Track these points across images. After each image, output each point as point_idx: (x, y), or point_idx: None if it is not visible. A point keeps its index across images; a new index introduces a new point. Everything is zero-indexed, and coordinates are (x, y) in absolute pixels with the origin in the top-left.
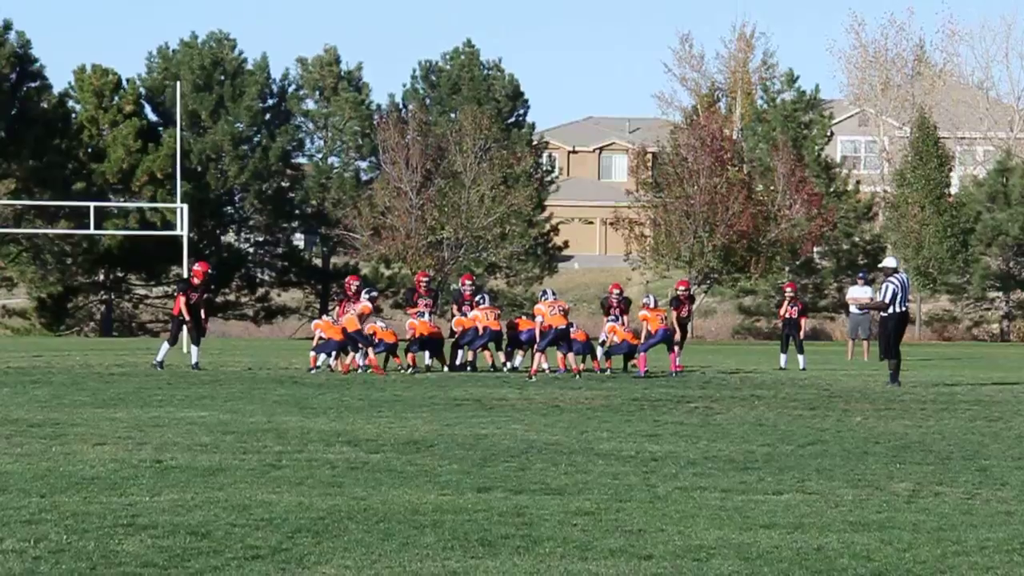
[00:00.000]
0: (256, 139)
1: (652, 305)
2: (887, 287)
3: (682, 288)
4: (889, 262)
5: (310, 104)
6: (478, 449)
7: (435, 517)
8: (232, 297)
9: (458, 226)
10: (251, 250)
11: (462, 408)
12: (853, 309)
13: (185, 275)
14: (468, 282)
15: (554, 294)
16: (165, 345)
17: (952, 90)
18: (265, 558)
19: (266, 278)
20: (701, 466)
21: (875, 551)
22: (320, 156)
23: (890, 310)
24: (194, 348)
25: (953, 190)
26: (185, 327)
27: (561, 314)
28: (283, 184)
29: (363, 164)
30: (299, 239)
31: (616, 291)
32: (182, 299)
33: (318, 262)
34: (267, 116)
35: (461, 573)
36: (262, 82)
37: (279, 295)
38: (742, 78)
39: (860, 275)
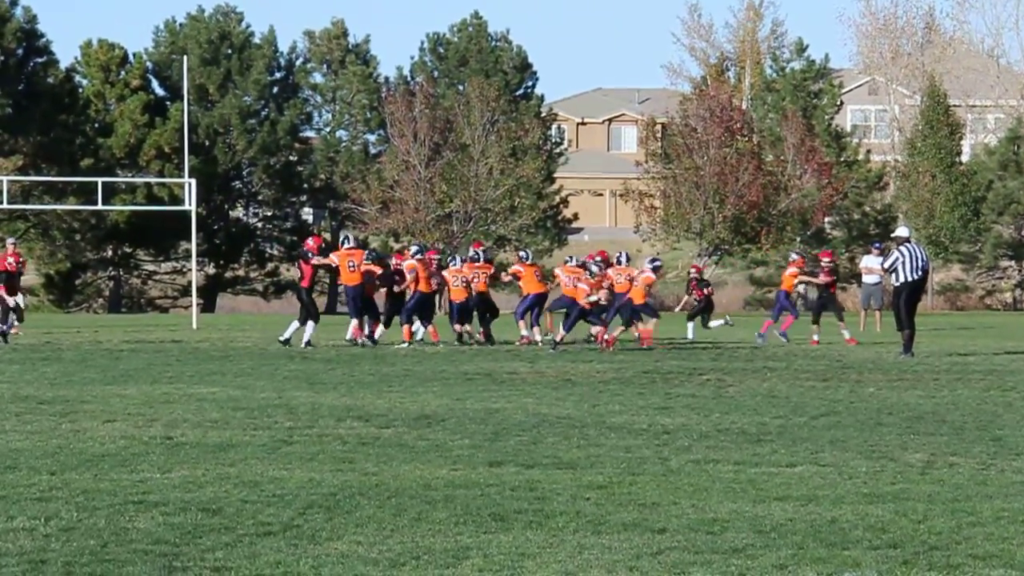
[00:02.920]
0: (264, 113)
1: (621, 264)
2: (893, 255)
3: (693, 271)
4: (901, 231)
5: (318, 77)
6: (490, 423)
7: (447, 492)
8: (241, 272)
9: (467, 199)
10: (260, 225)
11: (473, 382)
12: (866, 279)
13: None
14: (478, 250)
15: (571, 259)
16: (305, 325)
17: (962, 58)
18: (277, 534)
19: (275, 253)
20: (714, 439)
21: (889, 523)
22: (328, 130)
23: (900, 279)
24: (309, 325)
25: (964, 158)
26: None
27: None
28: (291, 158)
29: (371, 137)
30: (308, 213)
31: (599, 258)
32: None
33: (327, 236)
34: (275, 90)
35: (474, 548)
36: (269, 55)
37: (288, 270)
38: (751, 47)
39: (874, 245)
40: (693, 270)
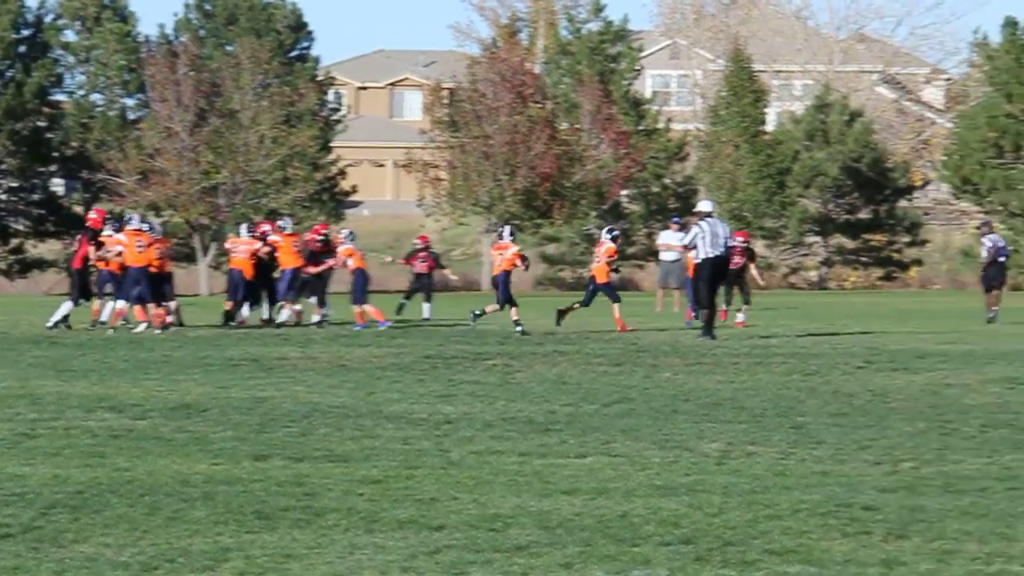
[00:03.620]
0: (9, 74)
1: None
2: (693, 231)
3: (739, 239)
4: (703, 205)
5: (70, 35)
6: (256, 413)
7: (207, 488)
8: None
9: (235, 170)
10: (3, 197)
11: (238, 369)
12: (664, 256)
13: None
14: (320, 235)
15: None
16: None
17: (769, 20)
18: (16, 536)
19: (21, 228)
20: (498, 428)
21: (683, 516)
22: (82, 93)
23: (700, 256)
24: (66, 305)
25: (769, 128)
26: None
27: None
28: (40, 124)
29: (130, 102)
30: (58, 185)
31: (420, 242)
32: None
33: (79, 210)
34: (21, 48)
35: (235, 549)
36: (15, 11)
37: (35, 247)
38: (545, 7)
39: (673, 219)
40: (419, 241)
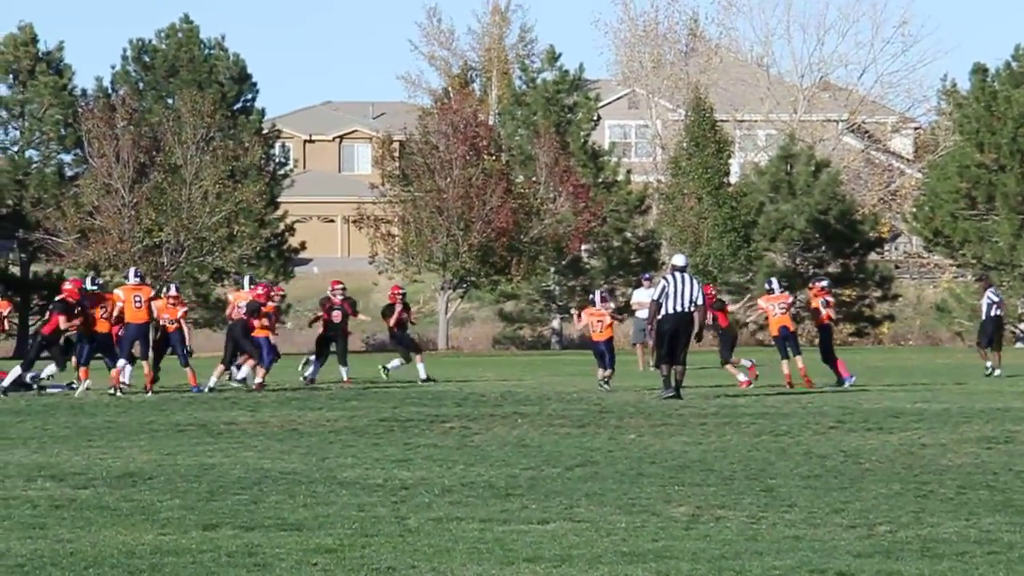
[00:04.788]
0: None
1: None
2: (660, 284)
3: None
4: (676, 259)
5: (2, 89)
6: (204, 481)
7: (153, 560)
8: None
9: (178, 227)
10: None
11: (185, 434)
12: (639, 314)
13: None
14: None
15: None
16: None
17: (730, 67)
18: None
19: None
20: (458, 493)
21: None
22: (16, 149)
23: (664, 310)
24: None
25: (733, 179)
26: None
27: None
28: None
29: (67, 158)
30: None
31: (339, 286)
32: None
33: (16, 271)
34: None
35: None
36: None
37: None
38: (498, 56)
39: (644, 276)
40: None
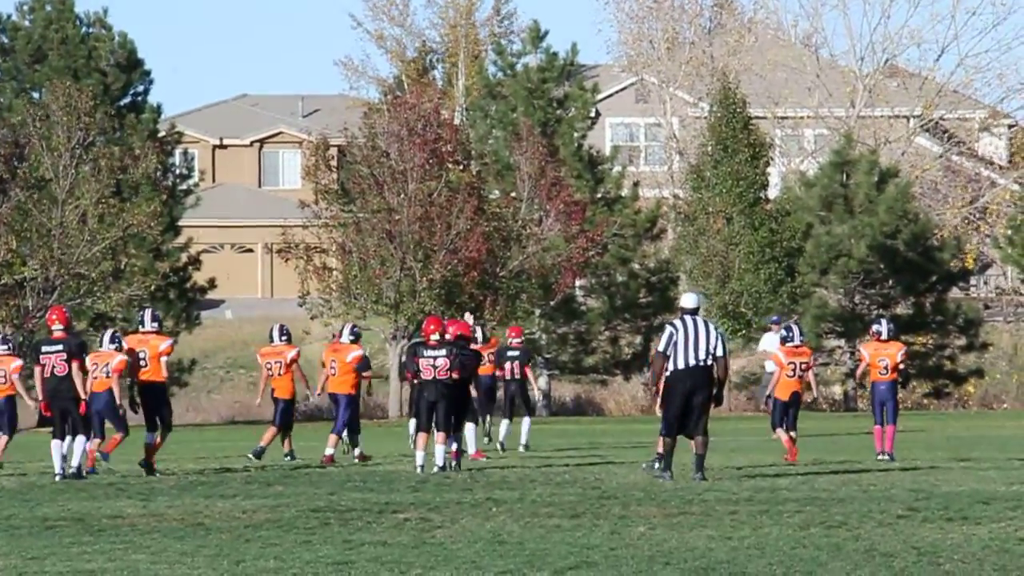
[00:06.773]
0: None
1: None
2: (667, 331)
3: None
4: (686, 300)
5: None
6: None
7: None
8: None
9: (48, 260)
10: None
11: (56, 532)
12: (768, 366)
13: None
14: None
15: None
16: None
17: (768, 49)
18: None
19: None
20: None
21: None
22: None
23: (673, 365)
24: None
25: (773, 193)
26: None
27: None
28: None
29: None
30: None
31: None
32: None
33: None
34: None
35: None
36: None
37: None
38: (466, 35)
39: (772, 320)
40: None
